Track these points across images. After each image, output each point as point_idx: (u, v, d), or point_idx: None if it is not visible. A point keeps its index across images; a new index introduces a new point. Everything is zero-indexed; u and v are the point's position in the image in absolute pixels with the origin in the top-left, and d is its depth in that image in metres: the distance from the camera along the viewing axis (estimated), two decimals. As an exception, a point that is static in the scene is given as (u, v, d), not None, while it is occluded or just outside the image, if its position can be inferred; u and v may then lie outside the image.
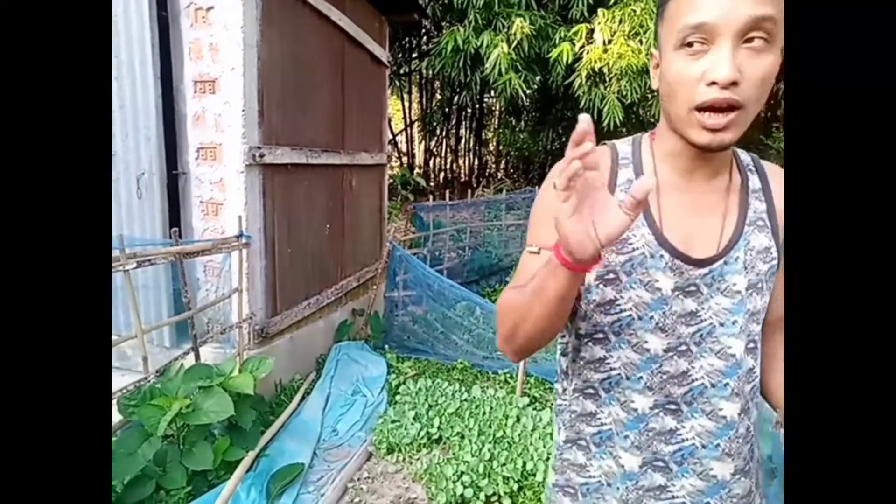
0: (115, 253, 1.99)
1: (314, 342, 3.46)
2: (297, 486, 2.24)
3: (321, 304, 3.47)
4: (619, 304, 0.79)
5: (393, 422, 2.79)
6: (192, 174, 2.71)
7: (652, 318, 0.78)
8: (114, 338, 2.18)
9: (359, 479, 2.44)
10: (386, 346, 3.80)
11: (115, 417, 2.04)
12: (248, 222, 2.68)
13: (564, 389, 0.90)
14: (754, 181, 0.82)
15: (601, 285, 0.79)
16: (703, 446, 0.79)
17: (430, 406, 2.97)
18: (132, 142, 2.60)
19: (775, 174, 0.85)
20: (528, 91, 6.85)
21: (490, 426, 2.77)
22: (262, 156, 2.70)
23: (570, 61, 6.09)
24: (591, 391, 0.84)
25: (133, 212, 2.67)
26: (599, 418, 0.84)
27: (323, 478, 2.36)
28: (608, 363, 0.81)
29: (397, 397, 3.10)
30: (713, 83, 0.66)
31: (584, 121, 0.56)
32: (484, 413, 2.90)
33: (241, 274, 2.67)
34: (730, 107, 0.66)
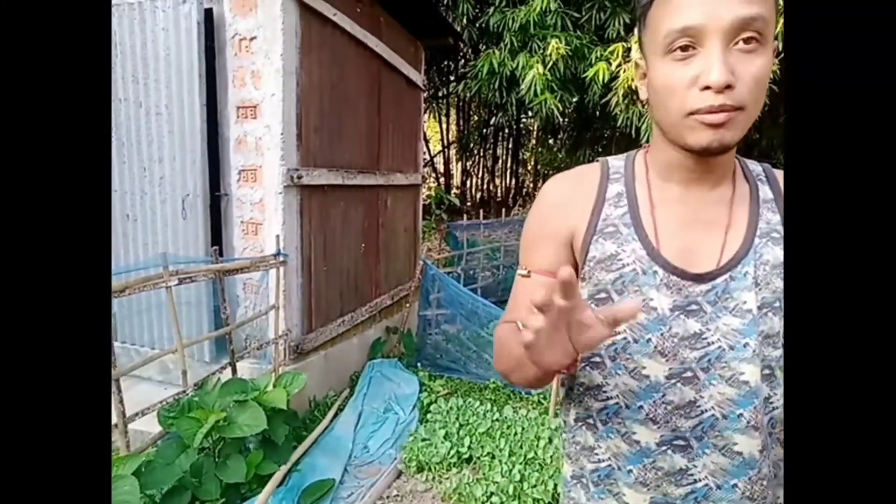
0: (158, 270, 2.10)
1: (348, 359, 3.51)
2: (327, 502, 2.27)
3: (355, 321, 3.53)
4: None
5: (423, 440, 2.79)
6: (233, 195, 2.83)
7: (649, 340, 0.71)
8: (155, 351, 2.28)
9: (388, 498, 2.45)
10: (418, 365, 3.81)
11: (156, 428, 2.12)
12: (285, 241, 2.77)
13: (565, 421, 0.84)
14: (765, 191, 0.76)
15: (593, 305, 0.73)
16: (719, 486, 0.71)
17: (461, 425, 2.95)
18: (179, 165, 2.75)
19: None
20: (564, 111, 6.86)
21: (521, 447, 2.73)
22: (299, 177, 2.80)
23: (606, 80, 6.06)
24: (590, 421, 0.78)
25: (178, 232, 2.81)
26: (597, 453, 0.78)
27: (353, 494, 2.38)
28: (605, 391, 0.75)
29: (428, 416, 3.10)
30: (706, 88, 0.62)
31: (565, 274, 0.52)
32: (515, 434, 2.86)
33: (277, 291, 2.76)
34: (725, 110, 0.63)
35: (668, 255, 0.72)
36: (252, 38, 2.69)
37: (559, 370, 0.62)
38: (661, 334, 0.71)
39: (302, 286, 2.96)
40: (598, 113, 7.04)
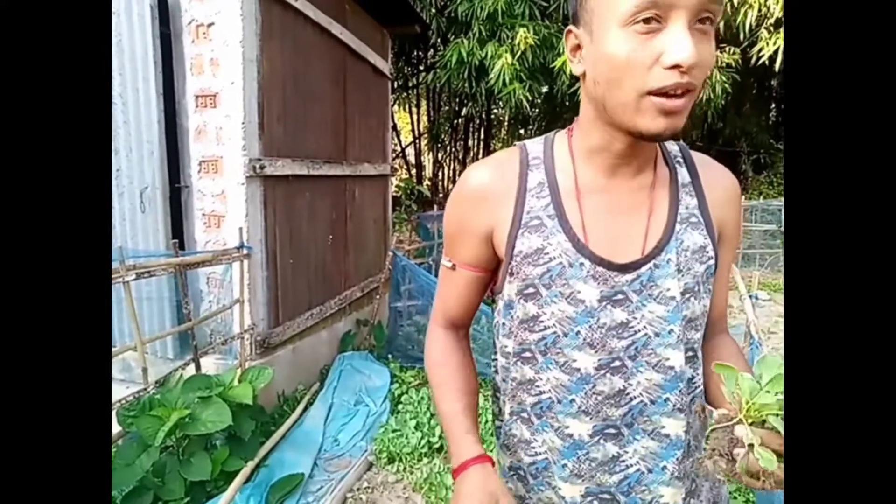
0: (114, 265, 2.02)
1: (318, 353, 3.47)
2: (296, 497, 2.24)
3: (324, 314, 3.49)
4: (542, 321, 0.73)
5: (394, 431, 2.78)
6: (194, 187, 2.75)
7: (578, 333, 0.71)
8: (115, 349, 2.21)
9: (358, 490, 2.43)
10: (389, 356, 3.79)
11: (115, 428, 2.06)
12: (249, 234, 2.71)
13: (499, 411, 0.84)
14: (683, 174, 0.75)
15: (522, 300, 0.73)
16: (650, 470, 0.73)
17: (433, 415, 2.95)
18: (136, 157, 2.65)
19: (706, 165, 0.77)
20: (533, 100, 6.88)
21: (491, 434, 2.75)
22: (262, 168, 2.73)
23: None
24: (525, 416, 0.78)
25: (137, 226, 2.72)
26: (534, 447, 0.77)
27: (322, 488, 2.36)
28: (538, 386, 0.75)
29: (399, 406, 3.09)
30: (674, 66, 0.58)
31: None
32: (486, 420, 2.88)
33: (242, 285, 2.70)
34: (685, 90, 0.60)
35: (594, 247, 0.71)
36: (210, 25, 2.61)
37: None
38: (590, 326, 0.71)
39: (267, 279, 2.90)
40: (567, 102, 7.09)
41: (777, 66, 5.50)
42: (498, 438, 0.85)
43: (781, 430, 0.54)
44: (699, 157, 0.78)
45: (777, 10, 5.38)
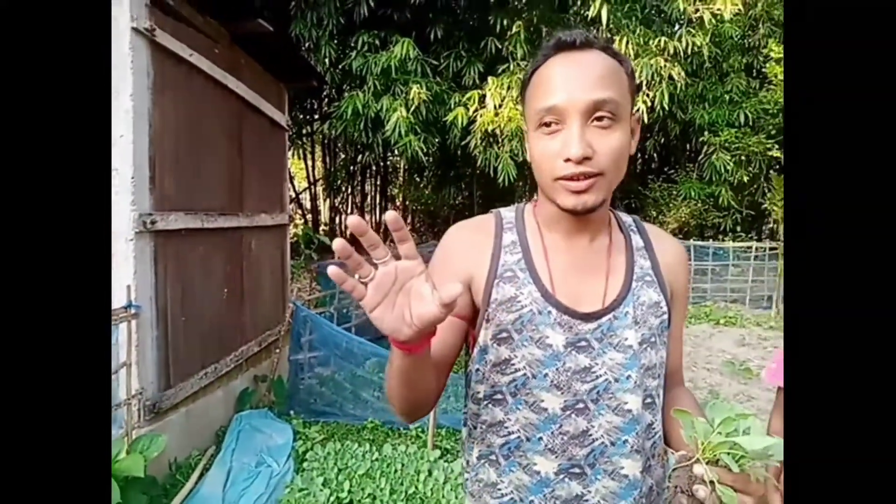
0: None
1: (213, 414, 3.27)
2: (194, 574, 2.09)
3: (219, 372, 3.32)
4: (513, 364, 0.80)
5: (301, 490, 2.69)
6: (73, 244, 2.56)
7: (546, 375, 0.78)
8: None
9: (264, 558, 2.31)
10: (291, 412, 3.67)
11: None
12: (137, 292, 2.56)
13: (468, 461, 0.88)
14: (637, 240, 0.88)
15: (496, 345, 0.81)
16: None
17: (340, 469, 2.90)
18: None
19: (656, 234, 0.91)
20: (428, 151, 7.19)
21: (402, 483, 2.75)
22: (153, 222, 2.62)
23: (465, 124, 6.52)
24: (493, 458, 0.82)
25: (2, 286, 2.46)
26: (500, 488, 0.82)
27: (224, 561, 2.21)
28: (506, 426, 0.80)
29: (305, 464, 3.00)
30: (568, 160, 0.72)
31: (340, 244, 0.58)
32: (396, 471, 2.88)
33: (129, 347, 2.52)
34: (586, 177, 0.73)
35: (561, 297, 0.80)
36: (95, 76, 2.51)
37: (408, 348, 0.66)
38: (557, 369, 0.78)
39: (157, 339, 2.73)
40: (459, 153, 7.50)
41: (646, 119, 6.28)
42: (466, 489, 0.89)
43: (734, 467, 0.62)
44: (650, 228, 0.92)
45: (644, 76, 6.19)
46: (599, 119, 0.73)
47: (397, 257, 0.63)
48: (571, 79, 0.74)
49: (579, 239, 0.84)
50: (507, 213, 0.91)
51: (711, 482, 0.63)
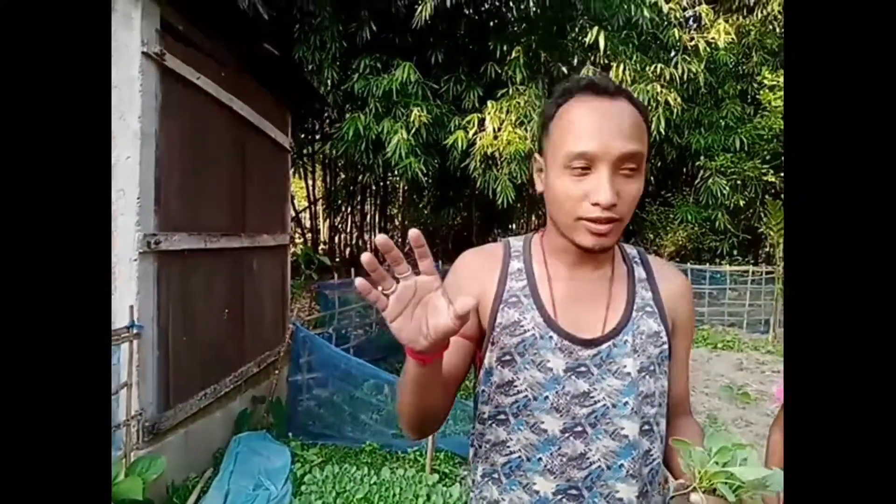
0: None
1: (211, 436, 3.25)
2: None
3: (218, 393, 3.30)
4: (516, 385, 0.83)
5: (298, 515, 2.66)
6: (77, 263, 2.58)
7: (547, 398, 0.81)
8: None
9: (261, 584, 2.28)
10: (290, 434, 3.64)
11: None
12: (140, 312, 2.57)
13: (474, 480, 0.91)
14: (640, 272, 0.91)
15: (500, 367, 0.84)
16: None
17: (338, 493, 2.87)
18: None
19: (659, 265, 0.94)
20: (427, 173, 7.27)
21: (405, 509, 2.73)
22: (157, 243, 2.64)
23: (464, 147, 6.60)
24: (495, 476, 0.85)
25: (5, 306, 2.47)
26: None
27: (220, 587, 2.18)
28: (508, 446, 0.84)
29: (303, 487, 2.97)
30: (597, 204, 0.75)
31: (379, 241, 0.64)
32: (394, 495, 2.85)
33: (130, 367, 2.52)
34: (609, 221, 0.77)
35: (562, 323, 0.83)
36: (105, 99, 2.55)
37: (422, 358, 0.69)
38: (556, 392, 0.81)
39: (159, 360, 2.73)
40: (458, 175, 7.57)
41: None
42: None
43: (730, 497, 0.64)
44: (654, 260, 0.95)
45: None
46: (625, 168, 0.78)
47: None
48: (605, 129, 0.77)
49: (583, 269, 0.87)
50: (516, 241, 0.96)
51: None
